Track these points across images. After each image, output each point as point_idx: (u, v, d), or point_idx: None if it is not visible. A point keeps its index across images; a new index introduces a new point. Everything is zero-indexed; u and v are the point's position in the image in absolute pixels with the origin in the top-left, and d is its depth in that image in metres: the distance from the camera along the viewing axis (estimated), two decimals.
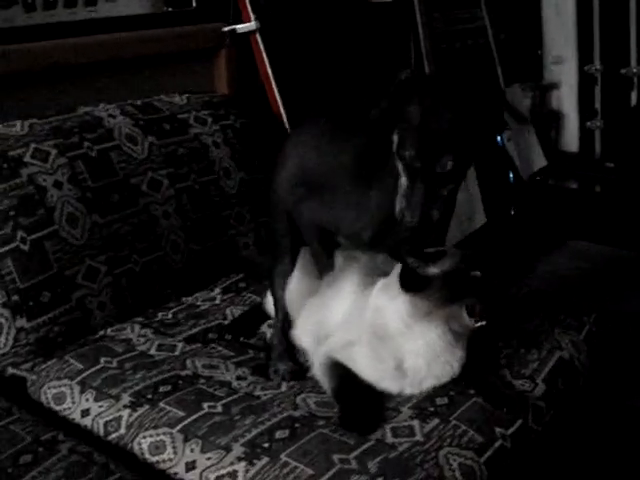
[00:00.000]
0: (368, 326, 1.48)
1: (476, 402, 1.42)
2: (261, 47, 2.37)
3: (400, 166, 1.35)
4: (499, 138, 3.47)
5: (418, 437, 1.33)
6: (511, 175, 3.50)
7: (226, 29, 2.35)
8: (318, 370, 1.51)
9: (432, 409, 1.40)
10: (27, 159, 1.73)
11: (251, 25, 2.35)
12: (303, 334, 1.60)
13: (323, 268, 1.60)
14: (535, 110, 3.80)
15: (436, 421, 1.37)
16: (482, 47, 3.59)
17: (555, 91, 4.03)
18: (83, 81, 2.06)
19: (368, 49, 2.95)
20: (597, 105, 3.99)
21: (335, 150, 1.53)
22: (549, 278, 3.24)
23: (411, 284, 1.42)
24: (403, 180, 1.35)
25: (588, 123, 3.99)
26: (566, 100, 4.03)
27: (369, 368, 1.46)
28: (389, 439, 1.32)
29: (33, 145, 1.76)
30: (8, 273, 1.65)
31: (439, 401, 1.42)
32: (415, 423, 1.36)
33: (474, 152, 1.39)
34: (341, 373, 1.47)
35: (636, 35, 3.81)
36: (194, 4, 2.37)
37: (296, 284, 1.62)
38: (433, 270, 1.41)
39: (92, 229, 1.77)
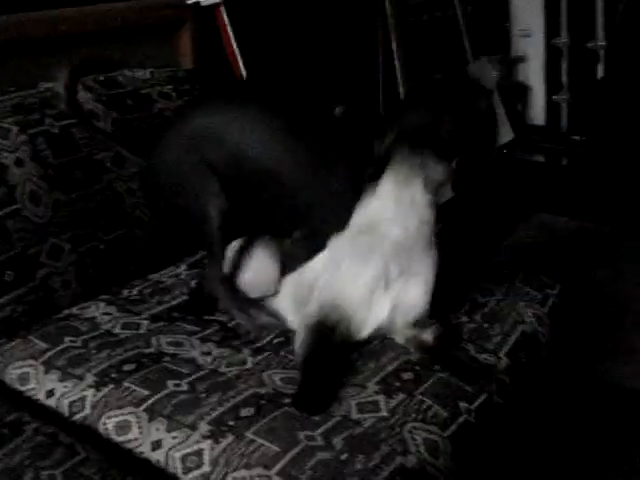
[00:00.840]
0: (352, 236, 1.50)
1: (441, 377, 1.43)
2: (226, 20, 2.35)
3: None
4: None
5: (383, 412, 1.34)
6: None
7: (190, 1, 2.32)
8: (298, 334, 1.49)
9: (398, 384, 1.41)
10: None
11: None
12: (283, 298, 1.62)
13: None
14: (502, 83, 3.80)
15: (401, 396, 1.38)
16: (450, 20, 3.59)
17: (522, 64, 4.04)
18: (44, 56, 2.02)
19: (334, 22, 2.92)
20: (564, 78, 4.01)
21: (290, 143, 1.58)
22: (514, 251, 3.26)
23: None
24: None
25: (555, 96, 4.01)
26: (533, 73, 4.03)
27: (358, 279, 1.47)
28: (354, 415, 1.33)
29: None
30: None
31: (405, 376, 1.43)
32: (380, 398, 1.37)
33: None
34: (317, 338, 1.45)
35: (603, 8, 3.82)
36: None
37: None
38: None
39: (55, 207, 1.74)
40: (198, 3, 2.33)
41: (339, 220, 1.55)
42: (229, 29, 2.36)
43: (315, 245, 1.59)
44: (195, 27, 2.35)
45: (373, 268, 1.46)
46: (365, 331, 1.50)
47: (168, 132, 1.70)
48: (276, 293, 1.65)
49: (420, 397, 1.38)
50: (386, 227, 1.47)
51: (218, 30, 2.39)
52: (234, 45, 2.37)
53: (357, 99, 3.09)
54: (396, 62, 2.92)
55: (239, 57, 2.37)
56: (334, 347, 1.46)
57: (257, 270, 1.69)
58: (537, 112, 4.08)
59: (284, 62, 2.64)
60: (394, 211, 1.46)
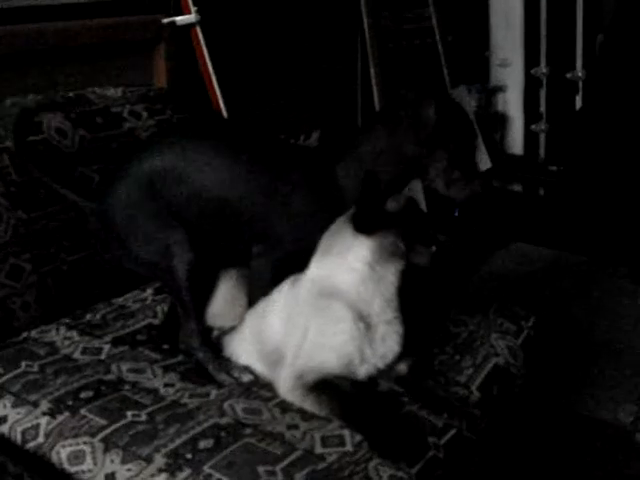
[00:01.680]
0: (312, 300, 1.43)
1: (409, 411, 1.38)
2: (201, 41, 2.31)
3: None
4: None
5: (348, 447, 1.28)
6: None
7: (166, 21, 2.29)
8: (292, 394, 1.41)
9: None
10: None
11: (191, 17, 2.29)
12: (241, 349, 1.55)
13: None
14: (481, 112, 3.80)
15: None
16: (429, 47, 3.58)
17: (501, 93, 4.05)
18: (11, 71, 1.97)
19: (312, 44, 2.91)
20: (542, 108, 4.03)
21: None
22: (490, 280, 3.24)
23: (366, 225, 1.38)
24: None
25: (533, 126, 4.02)
26: (512, 103, 4.05)
27: (332, 348, 1.39)
28: (318, 449, 1.27)
29: None
30: None
31: None
32: (346, 432, 1.31)
33: None
34: (325, 394, 1.38)
35: (582, 39, 3.84)
36: None
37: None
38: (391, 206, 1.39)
39: (16, 225, 1.69)
40: (174, 22, 2.29)
41: (296, 237, 1.55)
42: (204, 49, 2.32)
43: (275, 258, 1.57)
44: (170, 46, 2.30)
45: (343, 333, 1.39)
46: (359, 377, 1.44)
47: (123, 175, 1.62)
48: (235, 328, 1.59)
49: None
50: (350, 298, 1.40)
51: (193, 50, 2.35)
52: (209, 66, 2.33)
53: (334, 124, 3.07)
54: (374, 88, 2.90)
55: (214, 78, 2.33)
56: (345, 388, 1.39)
57: (224, 301, 1.64)
58: (515, 141, 4.09)
59: (260, 84, 2.62)
60: (363, 287, 1.40)
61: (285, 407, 1.39)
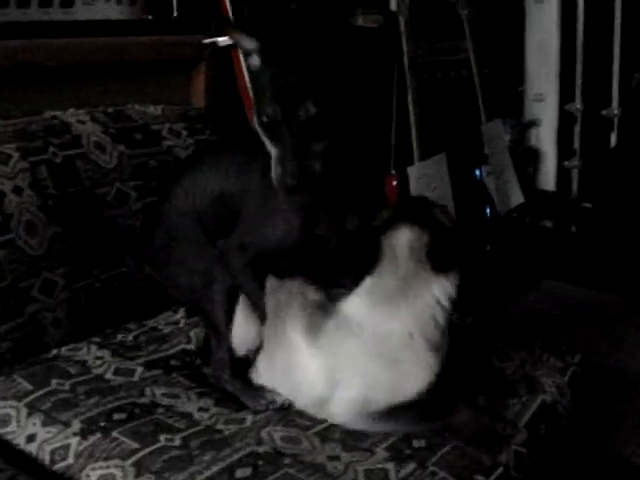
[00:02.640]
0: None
1: (456, 446, 1.32)
2: (242, 61, 2.28)
3: (266, 137, 1.32)
4: (477, 172, 3.42)
5: None
6: (488, 210, 3.45)
7: (207, 41, 2.26)
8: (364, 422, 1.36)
9: (409, 452, 1.30)
10: None
11: None
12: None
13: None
14: (514, 147, 3.76)
15: (412, 466, 1.26)
16: (465, 80, 3.55)
17: (535, 128, 4.01)
18: (53, 84, 1.95)
19: (350, 71, 2.88)
20: (576, 144, 3.98)
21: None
22: (524, 317, 3.17)
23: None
24: (273, 150, 1.31)
25: (566, 162, 3.97)
26: (545, 138, 4.00)
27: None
28: None
29: None
30: None
31: (416, 443, 1.32)
32: (390, 467, 1.26)
33: (337, 96, 1.37)
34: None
35: (618, 76, 3.80)
36: (175, 13, 2.28)
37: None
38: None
39: (52, 239, 1.65)
40: (215, 43, 2.27)
41: None
42: (245, 71, 2.29)
43: None
44: (209, 66, 2.28)
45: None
46: None
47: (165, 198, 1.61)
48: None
49: (433, 468, 1.27)
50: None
51: (232, 71, 2.32)
52: (249, 87, 2.29)
53: (369, 153, 3.04)
54: (411, 117, 2.86)
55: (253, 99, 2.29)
56: None
57: (241, 325, 1.57)
58: (548, 177, 4.04)
59: None
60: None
61: (325, 436, 1.34)
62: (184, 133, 2.00)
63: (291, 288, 1.48)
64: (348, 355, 1.38)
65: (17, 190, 1.62)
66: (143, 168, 1.86)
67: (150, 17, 2.24)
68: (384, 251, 1.37)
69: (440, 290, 1.36)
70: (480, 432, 1.36)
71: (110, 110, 1.92)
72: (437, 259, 1.34)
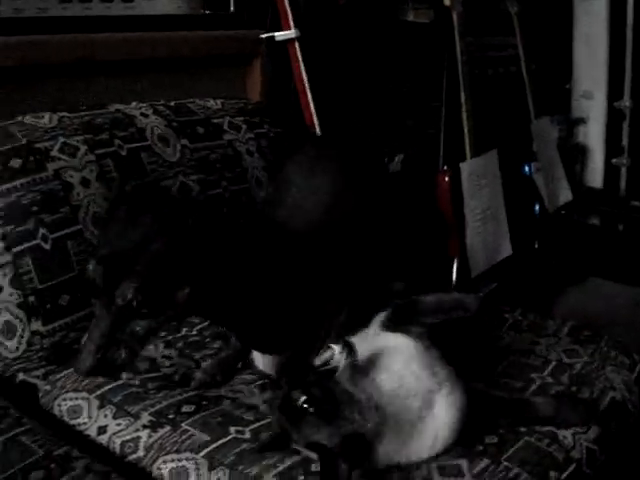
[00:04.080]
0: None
1: (528, 442, 1.31)
2: (299, 56, 2.28)
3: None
4: (526, 168, 3.39)
5: (467, 478, 1.22)
6: (537, 207, 3.41)
7: (264, 36, 2.27)
8: None
9: (481, 447, 1.29)
10: (55, 153, 1.63)
11: (291, 33, 2.26)
12: None
13: None
14: (562, 144, 3.72)
15: (486, 461, 1.25)
16: (513, 76, 3.52)
17: (583, 126, 3.96)
18: (115, 78, 1.97)
19: (403, 67, 2.87)
20: (624, 142, 3.92)
21: None
22: (569, 315, 3.13)
23: None
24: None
25: (614, 160, 3.91)
26: (593, 135, 3.95)
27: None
28: (436, 478, 1.21)
29: (62, 139, 1.66)
30: (26, 272, 1.54)
31: (488, 439, 1.31)
32: (463, 462, 1.25)
33: (167, 285, 1.19)
34: None
35: None
36: (232, 8, 2.28)
37: None
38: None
39: None
40: (272, 37, 2.27)
41: None
42: (301, 65, 2.29)
43: None
44: (266, 61, 2.29)
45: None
46: None
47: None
48: None
49: (506, 464, 1.26)
50: None
51: (289, 66, 2.32)
52: (305, 81, 2.29)
53: (417, 149, 3.03)
54: (463, 114, 2.84)
55: (309, 94, 2.29)
56: None
57: None
58: (595, 175, 3.99)
59: (351, 103, 2.58)
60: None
61: None
62: (244, 127, 2.01)
63: None
64: None
65: (85, 182, 1.64)
66: (205, 161, 1.87)
67: (207, 12, 2.24)
68: None
69: None
70: (564, 412, 1.36)
71: (172, 103, 1.93)
72: None
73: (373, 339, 1.33)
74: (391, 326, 1.33)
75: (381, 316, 1.36)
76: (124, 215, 1.24)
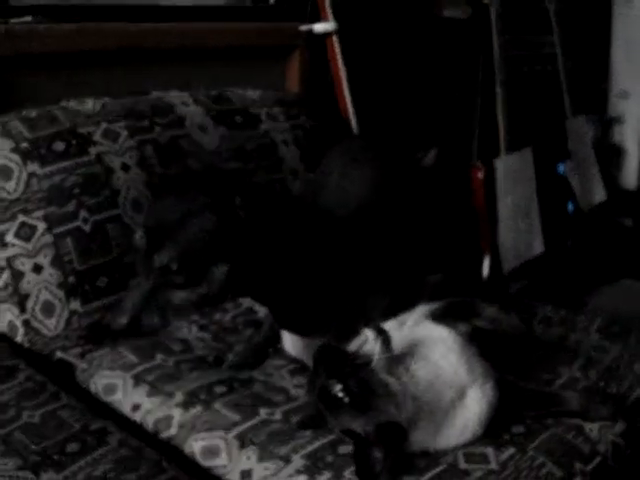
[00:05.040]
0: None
1: (554, 433, 1.32)
2: (337, 49, 2.30)
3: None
4: (561, 167, 3.38)
5: (493, 465, 1.23)
6: (570, 206, 3.41)
7: (303, 28, 2.29)
8: None
9: (507, 437, 1.30)
10: (97, 138, 1.67)
11: (329, 26, 2.28)
12: None
13: None
14: (597, 143, 3.70)
15: (512, 450, 1.27)
16: (550, 74, 3.51)
17: (618, 126, 3.93)
18: (156, 66, 2.00)
19: (439, 62, 2.88)
20: None
21: None
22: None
23: None
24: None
25: None
26: (628, 136, 3.92)
27: None
28: (462, 465, 1.23)
29: (104, 124, 1.70)
30: (67, 253, 1.58)
31: (515, 429, 1.33)
32: (489, 451, 1.27)
33: (205, 258, 1.22)
34: None
35: None
36: (273, 1, 2.31)
37: None
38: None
39: None
40: (311, 30, 2.29)
41: None
42: (339, 58, 2.31)
43: None
44: (304, 54, 2.31)
45: None
46: None
47: None
48: None
49: (532, 453, 1.27)
50: None
51: (326, 58, 2.34)
52: (342, 74, 2.31)
53: (451, 144, 3.03)
54: (498, 109, 2.84)
55: (346, 87, 2.31)
56: None
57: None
58: (629, 176, 3.96)
59: (387, 97, 2.60)
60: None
61: None
62: (281, 117, 2.03)
63: None
64: None
65: (125, 167, 1.68)
66: (242, 150, 1.90)
67: (249, 4, 2.27)
68: None
69: None
70: (593, 407, 1.37)
71: (211, 93, 1.96)
72: None
73: (414, 328, 1.35)
74: (440, 318, 1.35)
75: (429, 307, 1.39)
76: (174, 190, 1.29)
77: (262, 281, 1.32)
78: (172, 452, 1.33)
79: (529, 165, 2.91)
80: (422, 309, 1.40)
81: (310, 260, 1.36)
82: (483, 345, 1.33)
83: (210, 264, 1.22)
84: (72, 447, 1.23)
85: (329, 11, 2.29)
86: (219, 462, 1.28)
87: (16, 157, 1.59)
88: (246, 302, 1.80)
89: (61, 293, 1.58)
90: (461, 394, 1.26)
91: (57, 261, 1.58)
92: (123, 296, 1.28)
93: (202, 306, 1.28)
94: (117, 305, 1.27)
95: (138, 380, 1.46)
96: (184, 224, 1.21)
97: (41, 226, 1.57)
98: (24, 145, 1.60)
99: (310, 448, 1.26)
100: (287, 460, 1.24)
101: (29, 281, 1.56)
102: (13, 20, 1.77)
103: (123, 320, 1.22)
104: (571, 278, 3.20)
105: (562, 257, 3.30)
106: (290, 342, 1.56)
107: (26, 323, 1.57)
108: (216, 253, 1.22)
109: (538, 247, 3.00)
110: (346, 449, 1.24)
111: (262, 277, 1.31)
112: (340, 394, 1.19)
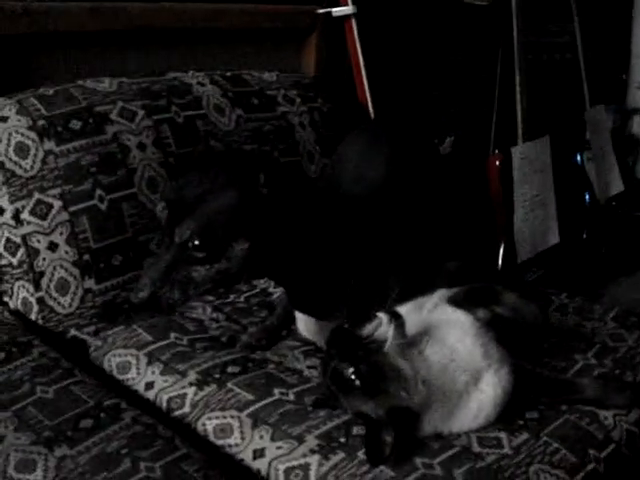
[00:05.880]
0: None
1: (568, 419, 1.32)
2: (355, 33, 2.29)
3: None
4: (578, 157, 3.36)
5: (506, 450, 1.23)
6: (587, 196, 3.38)
7: (321, 11, 2.28)
8: None
9: (521, 422, 1.29)
10: (113, 117, 1.67)
11: (348, 9, 2.27)
12: None
13: None
14: (615, 134, 3.67)
15: (525, 435, 1.26)
16: (569, 63, 3.48)
17: (637, 117, 3.90)
18: (173, 46, 2.00)
19: (458, 48, 2.86)
20: None
21: None
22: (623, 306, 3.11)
23: None
24: None
25: None
26: None
27: None
28: (475, 448, 1.22)
29: (120, 103, 1.70)
30: (82, 231, 1.59)
31: (529, 415, 1.32)
32: (503, 435, 1.26)
33: (226, 234, 1.22)
34: None
35: None
36: None
37: None
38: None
39: None
40: (329, 13, 2.28)
41: None
42: (357, 42, 2.29)
43: None
44: (322, 37, 2.30)
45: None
46: None
47: None
48: None
49: (546, 439, 1.26)
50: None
51: (344, 42, 2.33)
52: (360, 58, 2.30)
53: (468, 131, 3.02)
54: (517, 97, 2.82)
55: (363, 70, 2.30)
56: None
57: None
58: None
59: (405, 82, 2.58)
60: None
61: None
62: (298, 100, 2.03)
63: None
64: None
65: (141, 146, 1.68)
66: (258, 132, 1.90)
67: None
68: None
69: None
70: (610, 394, 1.36)
71: (228, 74, 1.95)
72: None
73: (432, 311, 1.34)
74: (459, 303, 1.34)
75: (449, 291, 1.38)
76: (197, 166, 1.29)
77: (281, 260, 1.32)
78: (185, 430, 1.33)
79: (546, 154, 2.89)
80: (441, 293, 1.38)
81: (328, 241, 1.36)
82: (501, 331, 1.32)
83: (231, 240, 1.22)
84: (86, 423, 1.24)
85: None
86: (232, 441, 1.28)
87: (33, 135, 1.59)
88: (260, 284, 1.80)
89: (76, 271, 1.59)
90: (476, 378, 1.25)
91: (72, 239, 1.58)
92: (144, 269, 1.27)
93: (220, 283, 1.27)
94: (137, 280, 1.27)
95: (152, 358, 1.46)
96: (206, 199, 1.21)
97: (57, 204, 1.58)
98: (41, 123, 1.60)
99: (324, 428, 1.26)
100: (301, 440, 1.23)
101: (44, 259, 1.57)
102: None
103: (144, 294, 1.22)
104: (587, 270, 3.18)
105: (578, 248, 3.28)
106: (304, 324, 1.56)
107: (40, 300, 1.57)
108: (237, 230, 1.22)
109: (554, 237, 2.97)
110: (359, 430, 1.24)
111: (281, 256, 1.31)
112: (351, 377, 1.18)
